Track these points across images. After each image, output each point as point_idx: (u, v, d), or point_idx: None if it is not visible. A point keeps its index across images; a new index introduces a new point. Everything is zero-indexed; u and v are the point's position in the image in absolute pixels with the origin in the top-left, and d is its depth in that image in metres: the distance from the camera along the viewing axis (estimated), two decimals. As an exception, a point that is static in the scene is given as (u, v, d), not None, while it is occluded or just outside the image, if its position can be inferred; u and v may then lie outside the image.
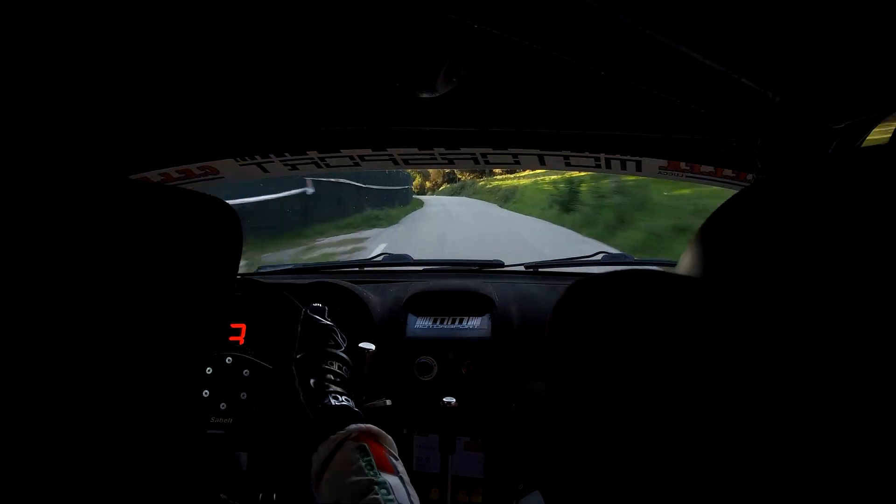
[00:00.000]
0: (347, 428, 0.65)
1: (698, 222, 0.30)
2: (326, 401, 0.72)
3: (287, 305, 0.86)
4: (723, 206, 0.27)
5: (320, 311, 0.87)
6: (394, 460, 0.64)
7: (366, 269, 1.51)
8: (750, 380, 0.20)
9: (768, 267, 0.22)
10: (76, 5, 0.52)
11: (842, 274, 0.20)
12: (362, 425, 0.67)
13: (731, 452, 0.20)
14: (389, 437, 0.68)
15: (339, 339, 0.83)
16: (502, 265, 1.47)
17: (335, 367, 0.79)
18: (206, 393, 0.89)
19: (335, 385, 0.76)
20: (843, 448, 0.18)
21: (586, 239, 8.61)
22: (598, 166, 1.06)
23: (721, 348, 0.21)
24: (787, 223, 0.22)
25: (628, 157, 1.00)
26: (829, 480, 0.19)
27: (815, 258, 0.21)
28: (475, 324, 1.21)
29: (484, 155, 1.06)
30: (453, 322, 1.22)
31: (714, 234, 0.27)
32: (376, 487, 0.58)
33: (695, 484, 0.20)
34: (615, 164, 1.03)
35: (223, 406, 0.88)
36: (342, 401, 0.73)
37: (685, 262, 0.28)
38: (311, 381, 0.76)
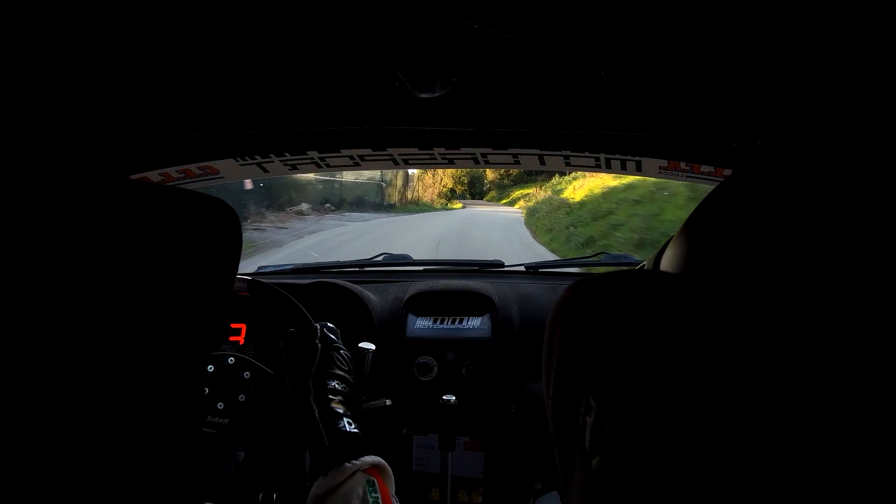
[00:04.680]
0: (363, 459, 0.66)
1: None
2: (341, 425, 0.72)
3: (299, 318, 0.86)
4: (706, 199, 0.27)
5: (335, 333, 0.87)
6: (395, 501, 0.66)
7: (366, 269, 1.51)
8: (751, 379, 0.20)
9: (757, 260, 0.22)
10: (76, 6, 0.52)
11: (827, 264, 0.20)
12: (376, 458, 0.68)
13: (734, 454, 0.20)
14: (391, 470, 0.69)
15: (350, 365, 0.84)
16: (502, 265, 1.47)
17: (344, 388, 0.79)
18: (205, 390, 0.89)
19: (343, 406, 0.77)
20: (843, 449, 0.18)
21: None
22: (598, 166, 1.06)
23: (721, 348, 0.21)
24: (770, 214, 0.22)
25: (628, 157, 1.00)
26: (827, 480, 0.19)
27: (800, 249, 0.21)
28: (475, 324, 1.21)
29: (484, 155, 1.06)
30: (453, 322, 1.22)
31: (699, 228, 0.27)
32: None
33: (696, 484, 0.20)
34: (615, 164, 1.03)
35: (220, 406, 0.88)
36: (353, 428, 0.73)
37: (670, 258, 0.27)
38: (325, 397, 0.76)
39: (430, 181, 25.65)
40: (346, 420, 0.73)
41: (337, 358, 0.82)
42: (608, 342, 0.24)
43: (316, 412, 0.74)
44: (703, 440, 0.20)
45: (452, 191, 30.59)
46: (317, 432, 0.71)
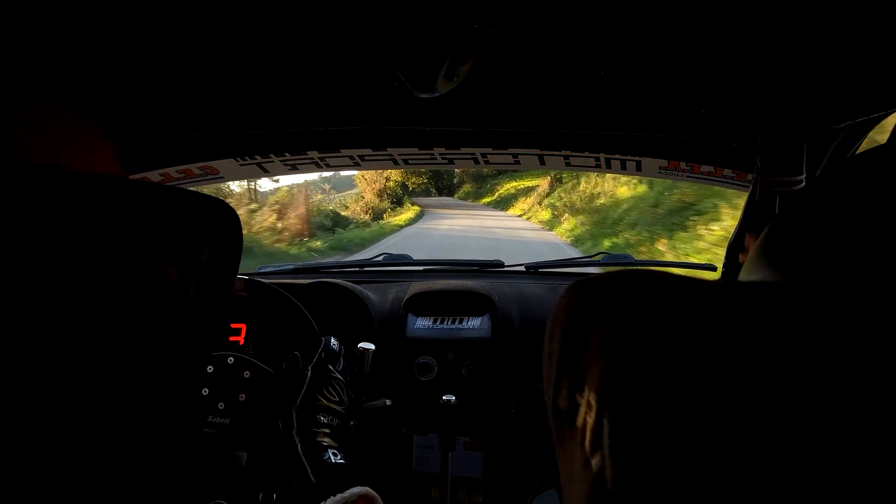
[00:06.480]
0: (350, 491, 0.65)
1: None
2: (326, 457, 0.72)
3: (300, 319, 0.85)
4: (783, 212, 0.26)
5: (334, 356, 0.86)
6: None
7: (366, 269, 1.51)
8: (765, 384, 0.20)
9: (845, 270, 0.21)
10: (76, 5, 0.52)
11: None
12: (364, 489, 0.67)
13: (741, 458, 0.20)
14: (380, 499, 0.69)
15: (344, 395, 0.83)
16: (502, 265, 1.47)
17: (332, 422, 0.79)
18: (205, 391, 0.89)
19: (330, 439, 0.76)
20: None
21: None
22: (598, 166, 1.06)
23: (728, 351, 0.21)
24: (860, 222, 0.22)
25: (628, 157, 1.00)
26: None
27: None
28: (475, 324, 1.21)
29: (484, 155, 1.07)
30: (453, 322, 1.22)
31: (783, 243, 0.25)
32: None
33: (700, 484, 0.20)
34: (615, 164, 1.03)
35: (221, 406, 0.88)
36: (339, 459, 0.72)
37: (754, 272, 0.26)
38: (311, 430, 0.75)
39: (372, 176, 15.46)
40: (331, 451, 0.73)
41: (327, 390, 0.80)
42: (610, 342, 0.24)
43: (298, 446, 0.73)
44: (711, 441, 0.20)
45: (404, 186, 18.01)
46: (300, 466, 0.70)
